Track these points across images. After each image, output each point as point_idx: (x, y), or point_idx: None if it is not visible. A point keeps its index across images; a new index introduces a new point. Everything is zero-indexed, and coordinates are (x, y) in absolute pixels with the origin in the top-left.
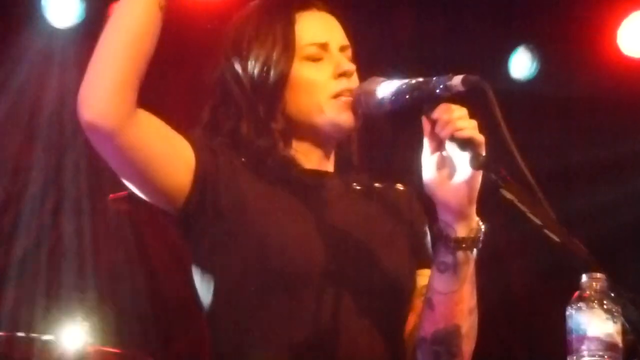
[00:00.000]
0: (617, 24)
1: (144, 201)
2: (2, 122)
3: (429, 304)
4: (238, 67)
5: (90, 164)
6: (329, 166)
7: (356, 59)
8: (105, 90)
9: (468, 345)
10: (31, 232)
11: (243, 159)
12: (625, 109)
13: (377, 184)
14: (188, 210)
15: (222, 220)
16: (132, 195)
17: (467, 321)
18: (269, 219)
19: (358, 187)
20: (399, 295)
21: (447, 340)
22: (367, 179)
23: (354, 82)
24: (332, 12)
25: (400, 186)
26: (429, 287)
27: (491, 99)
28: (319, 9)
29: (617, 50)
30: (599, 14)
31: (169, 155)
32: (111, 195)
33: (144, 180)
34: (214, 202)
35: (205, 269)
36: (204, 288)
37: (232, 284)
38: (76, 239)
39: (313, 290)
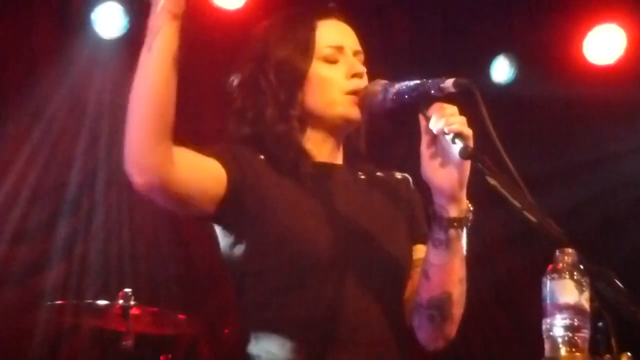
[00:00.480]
0: (583, 36)
1: None
2: (55, 119)
3: (425, 275)
4: (265, 64)
5: None
6: (339, 157)
7: (367, 63)
8: (149, 151)
9: (458, 310)
10: (82, 211)
11: (262, 157)
12: (590, 109)
13: (379, 173)
14: (220, 217)
15: (249, 217)
16: None
17: (458, 289)
18: (287, 212)
19: (363, 177)
20: (398, 271)
21: (440, 305)
22: (371, 169)
23: (364, 82)
24: (349, 22)
25: (398, 174)
26: (425, 260)
27: (478, 99)
28: (337, 18)
29: (584, 59)
30: (568, 27)
31: (203, 181)
32: None
33: (183, 206)
34: (242, 205)
35: (233, 254)
36: (234, 267)
37: (257, 266)
38: (122, 217)
39: (324, 271)
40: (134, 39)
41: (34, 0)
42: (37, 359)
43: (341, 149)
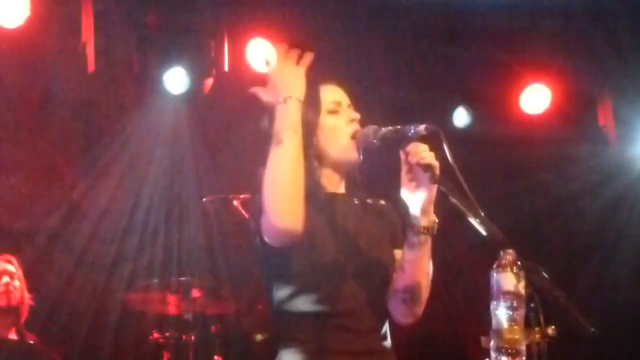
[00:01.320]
0: (520, 92)
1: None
2: (136, 153)
3: (401, 268)
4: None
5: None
6: (341, 187)
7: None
8: (291, 223)
9: (424, 295)
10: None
11: None
12: (526, 146)
13: (368, 200)
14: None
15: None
16: (217, 199)
17: (425, 280)
18: (306, 233)
19: (357, 202)
20: (385, 275)
21: (412, 291)
22: (362, 196)
23: (358, 126)
24: (341, 84)
25: (382, 201)
26: (401, 258)
27: (443, 140)
28: (334, 83)
29: (520, 109)
30: (510, 85)
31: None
32: (204, 199)
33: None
34: None
35: (267, 260)
36: (265, 269)
37: (282, 271)
38: (182, 223)
39: (330, 275)
40: (193, 95)
41: (119, 65)
42: (112, 333)
43: (343, 181)
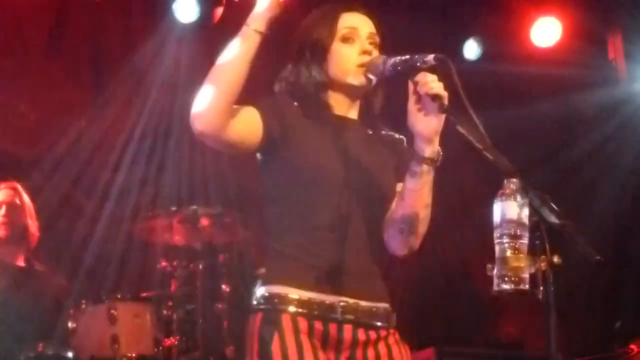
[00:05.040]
0: (530, 25)
1: None
2: (146, 80)
3: (401, 197)
4: (303, 43)
5: None
6: (353, 114)
7: (382, 45)
8: (214, 115)
9: (422, 228)
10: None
11: (296, 104)
12: (536, 80)
13: (383, 132)
14: (260, 149)
15: (279, 148)
16: None
17: (424, 211)
18: (306, 147)
19: (370, 132)
20: (384, 198)
21: (409, 221)
22: (378, 127)
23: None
24: (368, 14)
25: (397, 135)
26: (403, 187)
27: (452, 69)
28: (358, 11)
29: (531, 42)
30: (520, 19)
31: (247, 130)
32: None
33: (234, 148)
34: (274, 141)
35: (270, 178)
36: (268, 185)
37: (282, 184)
38: (193, 153)
39: (330, 192)
40: (203, 24)
41: None
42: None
43: (356, 107)
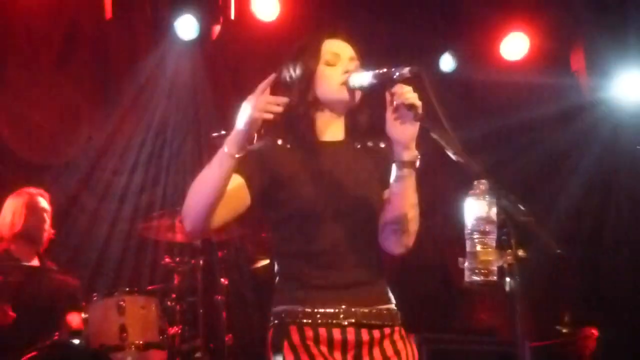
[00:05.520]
0: (500, 40)
1: None
2: (148, 91)
3: (389, 200)
4: (291, 67)
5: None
6: (340, 134)
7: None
8: (198, 222)
9: (412, 226)
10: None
11: (280, 141)
12: (506, 89)
13: (369, 143)
14: (257, 204)
15: (271, 193)
16: (223, 135)
17: (412, 211)
18: (294, 184)
19: (358, 146)
20: (373, 211)
21: (400, 221)
22: (365, 139)
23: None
24: (349, 40)
25: (382, 144)
26: (389, 191)
27: (426, 81)
28: (340, 39)
29: (501, 56)
30: (491, 34)
31: (233, 210)
32: (213, 134)
33: (228, 224)
34: (265, 193)
35: (268, 214)
36: (269, 220)
37: (278, 221)
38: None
39: (320, 221)
40: (202, 41)
41: (134, 12)
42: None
43: (342, 124)
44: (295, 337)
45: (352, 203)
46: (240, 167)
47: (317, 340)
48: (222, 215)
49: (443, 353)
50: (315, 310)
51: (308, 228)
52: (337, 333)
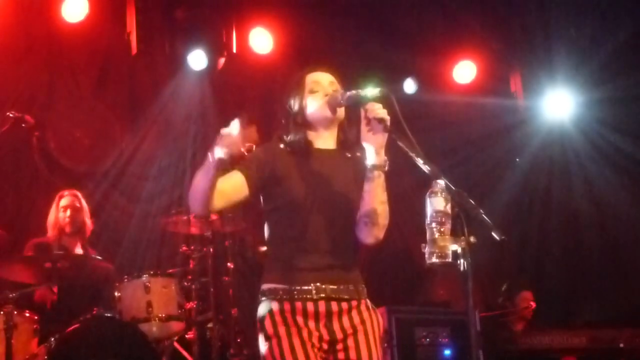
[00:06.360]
0: (452, 66)
1: None
2: (167, 114)
3: (362, 198)
4: (285, 99)
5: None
6: (331, 143)
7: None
8: (200, 209)
9: (382, 220)
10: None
11: (282, 146)
12: (458, 109)
13: (358, 153)
14: (256, 195)
15: (267, 186)
16: None
17: (380, 207)
18: (287, 180)
19: (348, 155)
20: (351, 207)
21: (369, 215)
22: (354, 150)
23: None
24: (327, 70)
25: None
26: (363, 190)
27: (392, 100)
28: (320, 70)
29: (453, 80)
30: (446, 62)
31: (230, 199)
32: None
33: (228, 209)
34: (263, 185)
35: (264, 205)
36: (265, 212)
37: (271, 210)
38: None
39: (302, 211)
40: (210, 71)
41: (155, 48)
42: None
43: (333, 137)
44: (276, 311)
45: (333, 199)
46: (242, 165)
47: (294, 312)
48: (220, 202)
49: (408, 322)
50: (293, 287)
51: (294, 217)
52: (310, 306)
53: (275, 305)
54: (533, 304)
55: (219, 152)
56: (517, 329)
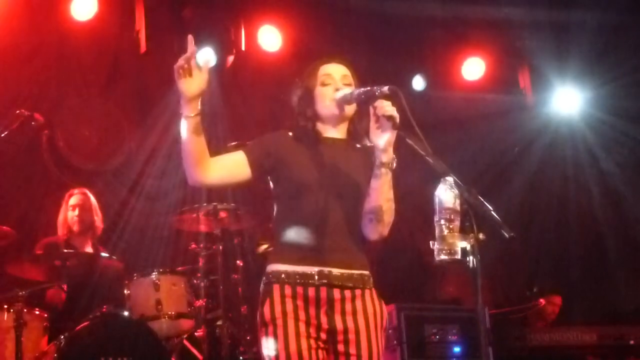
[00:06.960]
0: (461, 63)
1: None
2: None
3: (368, 194)
4: (297, 90)
5: None
6: (340, 134)
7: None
8: (192, 173)
9: (387, 217)
10: None
11: (290, 134)
12: (465, 104)
13: (368, 144)
14: (259, 177)
15: (275, 170)
16: (238, 144)
17: (386, 204)
18: (295, 165)
19: (358, 146)
20: (358, 193)
21: (376, 212)
22: (364, 141)
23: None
24: (342, 62)
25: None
26: (369, 187)
27: (401, 97)
28: (334, 62)
29: (462, 77)
30: (454, 58)
31: (230, 173)
32: (229, 144)
33: (224, 185)
34: (266, 169)
35: (273, 189)
36: (274, 197)
37: (279, 193)
38: None
39: (310, 194)
40: (219, 69)
41: (164, 47)
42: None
43: (343, 129)
44: (277, 294)
45: (341, 183)
46: (247, 148)
47: (295, 296)
48: (218, 173)
49: (417, 319)
50: (295, 271)
51: (301, 199)
52: (311, 291)
53: (276, 289)
54: (543, 301)
55: (180, 87)
56: (534, 326)
